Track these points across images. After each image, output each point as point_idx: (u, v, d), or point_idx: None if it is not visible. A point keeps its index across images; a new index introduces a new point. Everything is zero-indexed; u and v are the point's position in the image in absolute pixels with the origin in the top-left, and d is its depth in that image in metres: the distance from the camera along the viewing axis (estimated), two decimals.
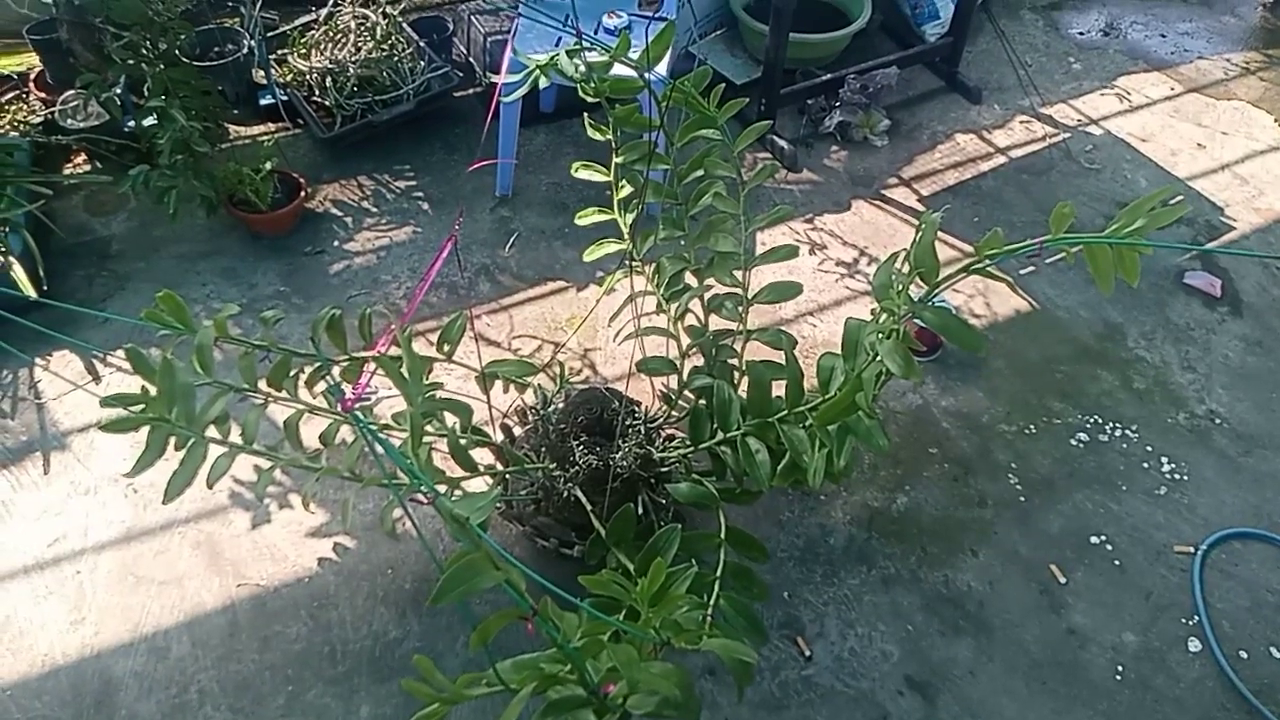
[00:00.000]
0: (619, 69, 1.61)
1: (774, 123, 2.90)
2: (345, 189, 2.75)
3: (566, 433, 1.76)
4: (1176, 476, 2.16)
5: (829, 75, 3.02)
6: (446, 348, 1.78)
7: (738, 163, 1.79)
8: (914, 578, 1.95)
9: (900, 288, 1.35)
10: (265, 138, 2.90)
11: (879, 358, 1.34)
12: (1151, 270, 2.64)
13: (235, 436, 1.47)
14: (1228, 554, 2.03)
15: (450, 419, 1.70)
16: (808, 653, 1.83)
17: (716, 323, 1.91)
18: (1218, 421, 2.28)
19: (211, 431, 1.47)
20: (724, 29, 3.37)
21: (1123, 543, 2.03)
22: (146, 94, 2.44)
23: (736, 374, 1.89)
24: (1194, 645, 1.88)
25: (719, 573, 1.56)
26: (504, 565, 1.08)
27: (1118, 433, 2.24)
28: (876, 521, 2.04)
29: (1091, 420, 2.26)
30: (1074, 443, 2.21)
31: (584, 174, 1.97)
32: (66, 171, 2.75)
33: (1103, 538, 2.03)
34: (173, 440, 1.42)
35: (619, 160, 1.89)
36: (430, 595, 0.98)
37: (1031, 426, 2.24)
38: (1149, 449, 2.21)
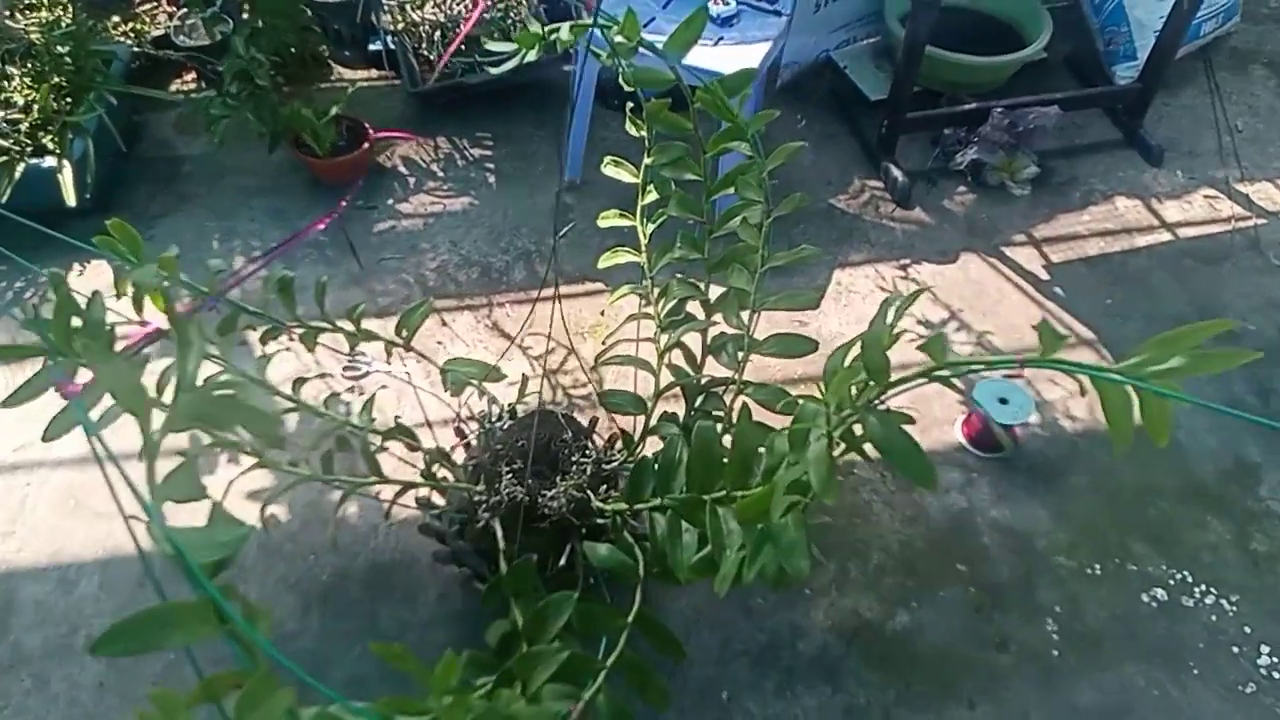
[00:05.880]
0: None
1: (869, 139, 2.55)
2: (420, 148, 2.64)
3: (500, 455, 1.55)
4: (1276, 675, 1.69)
5: (974, 105, 2.62)
6: (404, 334, 1.62)
7: (767, 186, 1.53)
8: (885, 717, 1.61)
9: (849, 382, 1.05)
10: (364, 82, 2.84)
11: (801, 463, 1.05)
12: None
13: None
14: None
15: (393, 411, 1.54)
16: None
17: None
18: None
19: None
20: (877, 38, 3.02)
21: None
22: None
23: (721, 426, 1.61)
24: None
25: (608, 663, 1.32)
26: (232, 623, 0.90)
27: (1209, 600, 1.78)
28: (862, 636, 1.70)
29: (1179, 576, 1.81)
30: (1146, 599, 1.78)
31: (611, 171, 1.78)
32: (173, 89, 2.81)
33: None
34: None
35: (648, 162, 1.69)
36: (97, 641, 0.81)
37: (1097, 566, 1.82)
38: (1246, 630, 1.74)
